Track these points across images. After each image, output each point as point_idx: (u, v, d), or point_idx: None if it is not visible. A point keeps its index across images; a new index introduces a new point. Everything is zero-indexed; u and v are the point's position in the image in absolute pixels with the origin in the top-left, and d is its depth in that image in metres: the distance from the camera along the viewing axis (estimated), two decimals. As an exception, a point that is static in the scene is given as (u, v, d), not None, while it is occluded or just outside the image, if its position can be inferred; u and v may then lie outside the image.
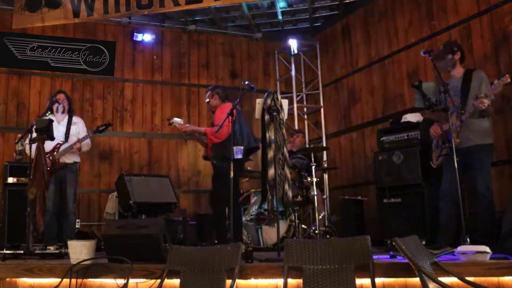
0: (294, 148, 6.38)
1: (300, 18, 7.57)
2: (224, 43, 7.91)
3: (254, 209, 5.23)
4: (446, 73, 4.22)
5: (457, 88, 4.09)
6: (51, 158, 4.78)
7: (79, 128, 5.07)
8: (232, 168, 4.33)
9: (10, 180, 5.62)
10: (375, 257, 2.96)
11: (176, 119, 4.87)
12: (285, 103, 4.04)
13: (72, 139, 4.93)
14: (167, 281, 3.04)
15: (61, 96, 5.11)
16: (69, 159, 4.95)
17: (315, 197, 5.46)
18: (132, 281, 3.07)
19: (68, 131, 4.98)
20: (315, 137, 7.73)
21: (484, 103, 3.73)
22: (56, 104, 5.01)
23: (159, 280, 3.00)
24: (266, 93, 3.98)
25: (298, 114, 7.64)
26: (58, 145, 4.86)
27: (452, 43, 4.26)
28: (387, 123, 5.95)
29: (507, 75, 3.73)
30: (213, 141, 4.71)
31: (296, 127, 7.41)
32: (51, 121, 4.36)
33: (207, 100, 5.06)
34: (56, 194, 4.87)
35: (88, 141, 5.10)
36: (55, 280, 3.17)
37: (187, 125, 4.91)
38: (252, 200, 5.36)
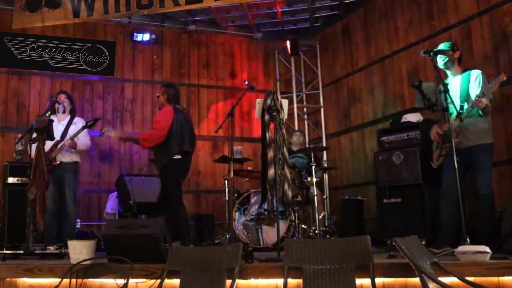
0: (294, 147, 6.39)
1: (300, 18, 7.57)
2: (224, 43, 7.91)
3: (254, 209, 5.23)
4: (444, 71, 4.23)
5: (456, 88, 4.09)
6: (47, 156, 4.76)
7: (77, 128, 5.06)
8: (232, 167, 4.36)
9: (10, 180, 5.61)
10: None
11: (108, 129, 4.88)
12: (285, 103, 4.04)
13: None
14: (167, 281, 3.04)
15: (61, 96, 5.12)
16: (67, 158, 4.93)
17: (315, 197, 5.46)
18: (132, 281, 3.07)
19: (67, 130, 4.98)
20: (315, 137, 7.73)
21: (483, 102, 3.74)
22: (57, 104, 5.01)
23: (159, 280, 3.00)
24: (266, 93, 3.98)
25: (298, 114, 7.64)
26: (56, 144, 4.86)
27: (452, 43, 4.29)
28: (387, 123, 5.95)
29: (503, 73, 3.74)
30: (144, 146, 4.72)
31: (296, 127, 7.42)
32: (51, 121, 4.37)
33: (157, 95, 5.02)
34: (55, 194, 4.86)
35: (85, 140, 5.09)
36: (55, 280, 3.17)
37: (119, 133, 4.92)
38: (252, 200, 5.36)
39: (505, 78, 3.74)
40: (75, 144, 4.91)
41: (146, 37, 7.26)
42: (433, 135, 4.18)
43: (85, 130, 5.15)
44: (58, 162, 4.83)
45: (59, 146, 4.86)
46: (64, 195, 4.89)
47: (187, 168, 4.96)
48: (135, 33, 7.23)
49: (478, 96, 3.77)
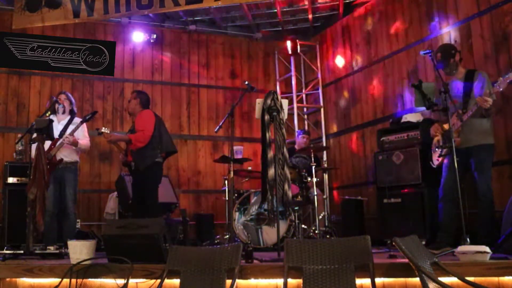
0: (297, 147, 6.39)
1: (300, 18, 7.57)
2: (224, 43, 7.91)
3: (254, 209, 5.23)
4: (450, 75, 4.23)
5: (459, 89, 4.09)
6: (47, 155, 4.75)
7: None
8: (232, 167, 4.36)
9: (10, 180, 5.62)
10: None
11: (104, 129, 4.92)
12: (285, 103, 4.04)
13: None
14: (167, 281, 3.04)
15: (62, 97, 5.11)
16: (67, 157, 4.92)
17: (315, 197, 5.47)
18: (132, 281, 3.07)
19: (65, 130, 4.97)
20: (315, 137, 7.73)
21: (488, 101, 3.74)
22: (57, 104, 5.01)
23: (159, 280, 3.00)
24: (266, 93, 3.98)
25: (298, 114, 7.64)
26: (55, 142, 4.85)
27: (449, 47, 4.27)
28: (387, 123, 5.95)
29: (511, 73, 3.74)
30: (137, 146, 4.81)
31: (296, 127, 7.43)
32: (51, 121, 4.36)
33: (129, 99, 5.19)
34: (56, 194, 4.85)
35: (86, 141, 5.09)
36: (55, 280, 3.17)
37: (111, 134, 4.96)
38: (252, 200, 5.36)
39: None
40: (76, 140, 4.90)
41: (146, 37, 7.25)
42: (433, 130, 4.18)
43: (86, 131, 5.15)
44: (58, 160, 4.82)
45: (58, 143, 4.85)
46: (64, 195, 4.88)
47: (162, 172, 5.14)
48: (135, 33, 7.23)
49: (484, 94, 3.77)
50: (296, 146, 6.41)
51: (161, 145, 4.95)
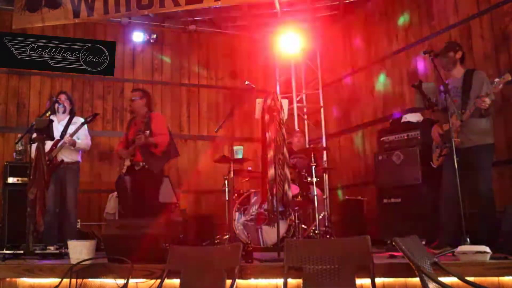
0: (295, 148, 6.39)
1: (300, 18, 7.56)
2: (224, 43, 7.91)
3: (254, 209, 5.22)
4: (446, 72, 4.23)
5: (457, 89, 4.09)
6: (48, 156, 4.75)
7: (77, 127, 5.05)
8: (232, 167, 4.37)
9: (10, 180, 5.61)
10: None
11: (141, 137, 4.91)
12: (285, 103, 4.04)
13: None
14: (167, 281, 3.04)
15: (62, 97, 5.11)
16: (69, 157, 4.92)
17: (315, 197, 5.46)
18: (132, 281, 3.08)
19: (66, 130, 4.97)
20: (315, 137, 7.73)
21: (486, 102, 3.74)
22: (57, 104, 5.01)
23: (159, 280, 3.00)
24: (266, 93, 3.98)
25: (298, 114, 7.64)
26: (56, 143, 4.85)
27: (455, 43, 4.29)
28: (387, 123, 5.95)
29: (508, 73, 3.74)
30: (161, 149, 4.80)
31: (296, 127, 7.42)
32: (51, 121, 4.37)
33: (134, 97, 5.00)
34: (56, 194, 4.85)
35: (86, 140, 5.09)
36: (55, 280, 3.17)
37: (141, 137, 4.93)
38: (252, 200, 5.36)
39: (510, 79, 3.74)
40: (74, 141, 4.90)
41: (146, 37, 7.25)
42: (434, 135, 4.18)
43: (86, 130, 5.14)
44: (59, 160, 4.82)
45: (59, 144, 4.86)
46: (65, 195, 4.89)
47: None
48: (135, 33, 7.22)
49: (481, 96, 3.77)
50: (293, 147, 6.40)
51: (175, 146, 4.97)
